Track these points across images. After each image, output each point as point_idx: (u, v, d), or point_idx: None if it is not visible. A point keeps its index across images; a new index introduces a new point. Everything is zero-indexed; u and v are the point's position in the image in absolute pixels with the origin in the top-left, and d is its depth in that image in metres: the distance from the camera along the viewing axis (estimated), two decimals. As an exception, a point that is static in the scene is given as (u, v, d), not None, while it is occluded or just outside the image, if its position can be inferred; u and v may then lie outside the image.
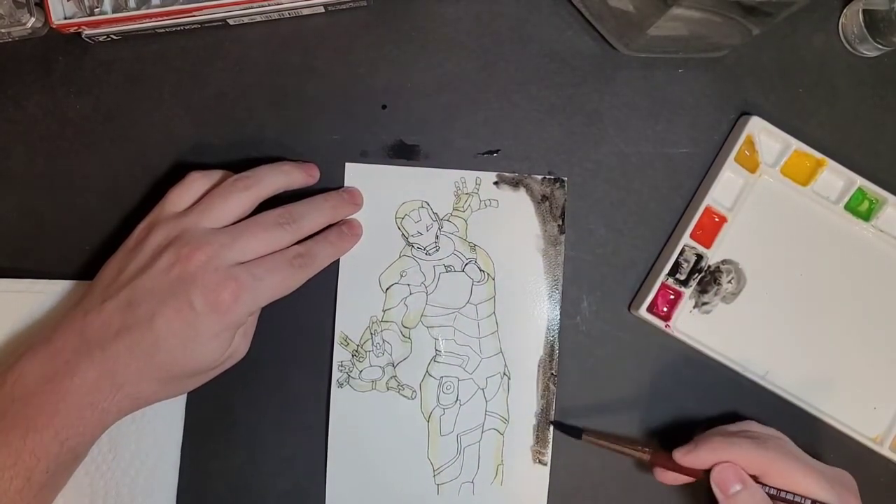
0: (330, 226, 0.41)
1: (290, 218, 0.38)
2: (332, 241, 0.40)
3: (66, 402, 0.33)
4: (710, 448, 0.38)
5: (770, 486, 0.37)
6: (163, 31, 0.42)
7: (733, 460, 0.37)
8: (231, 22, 0.42)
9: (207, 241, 0.35)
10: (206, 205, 0.37)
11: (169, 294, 0.34)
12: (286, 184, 0.40)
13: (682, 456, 0.38)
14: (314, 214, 0.39)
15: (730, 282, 0.43)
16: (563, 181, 0.43)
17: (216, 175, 0.39)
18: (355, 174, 0.43)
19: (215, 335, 0.35)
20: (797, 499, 0.36)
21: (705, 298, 0.43)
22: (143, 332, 0.34)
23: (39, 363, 0.34)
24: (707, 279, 0.43)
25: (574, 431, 0.41)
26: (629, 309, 0.43)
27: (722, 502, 0.37)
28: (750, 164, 0.43)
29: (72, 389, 0.34)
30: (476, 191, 0.43)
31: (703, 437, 0.39)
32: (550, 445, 0.42)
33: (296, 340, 0.42)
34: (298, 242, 0.38)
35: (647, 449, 0.40)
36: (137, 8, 0.40)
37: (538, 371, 0.43)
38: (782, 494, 0.36)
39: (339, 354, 0.42)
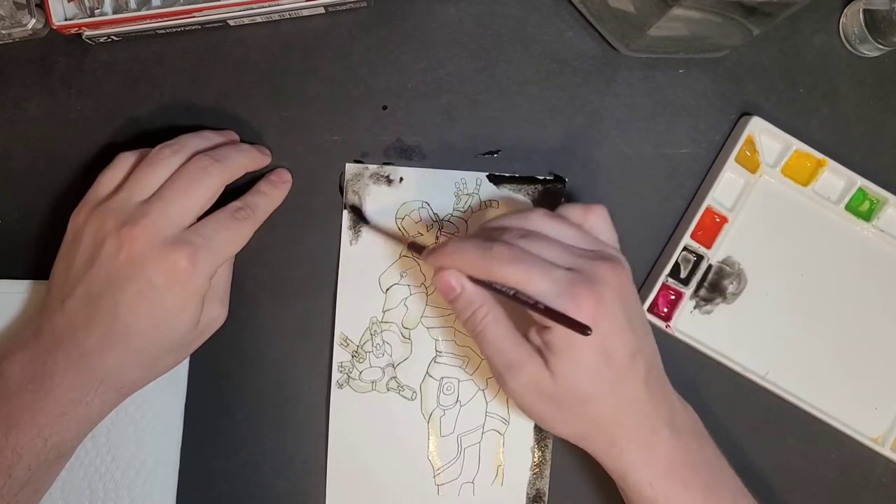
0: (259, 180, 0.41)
1: (212, 159, 0.37)
2: (264, 191, 0.40)
3: (49, 399, 0.34)
4: (442, 253, 0.35)
5: (496, 283, 0.34)
6: (163, 31, 0.42)
7: (458, 267, 0.35)
8: (231, 23, 0.42)
9: (143, 213, 0.34)
10: (134, 178, 0.36)
11: (125, 279, 0.34)
12: (208, 146, 0.39)
13: (427, 255, 0.36)
14: (234, 153, 0.38)
15: (731, 282, 0.43)
16: (563, 181, 0.43)
17: (144, 152, 0.38)
18: (355, 174, 0.43)
19: (182, 307, 0.35)
20: (507, 289, 0.33)
21: (706, 299, 0.43)
22: (111, 322, 0.34)
23: (19, 366, 0.35)
24: (708, 279, 0.43)
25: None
26: (630, 309, 0.43)
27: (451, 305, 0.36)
28: (751, 164, 0.43)
29: (53, 387, 0.34)
30: (476, 191, 0.43)
31: (452, 239, 0.36)
32: (551, 446, 0.42)
33: (296, 341, 0.42)
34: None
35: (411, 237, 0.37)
36: (138, 9, 0.40)
37: (539, 371, 0.43)
38: (497, 286, 0.34)
39: (339, 355, 0.42)
